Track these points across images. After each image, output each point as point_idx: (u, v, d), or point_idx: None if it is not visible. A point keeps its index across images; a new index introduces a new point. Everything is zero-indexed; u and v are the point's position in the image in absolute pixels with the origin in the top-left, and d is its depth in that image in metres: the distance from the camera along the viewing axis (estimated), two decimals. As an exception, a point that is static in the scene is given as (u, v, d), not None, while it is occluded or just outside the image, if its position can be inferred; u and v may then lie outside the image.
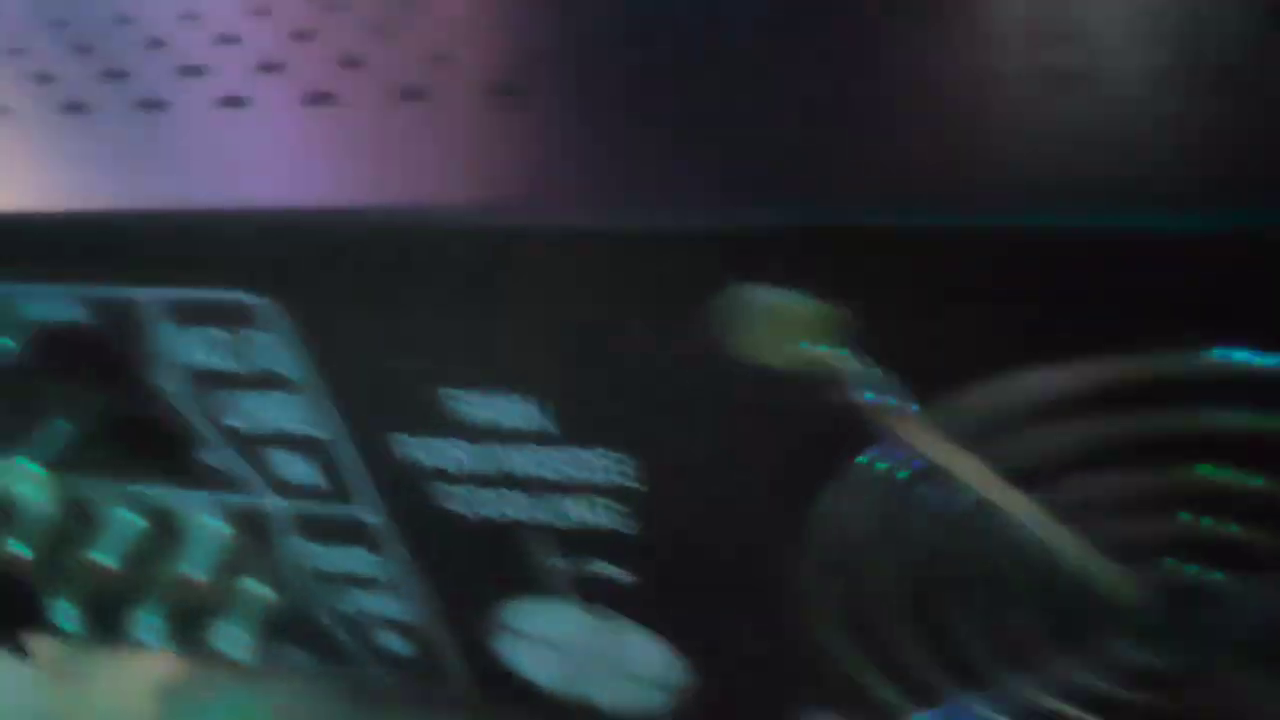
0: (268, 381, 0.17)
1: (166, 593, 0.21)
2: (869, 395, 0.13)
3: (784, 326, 0.13)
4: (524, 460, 0.17)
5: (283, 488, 0.19)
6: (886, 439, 0.14)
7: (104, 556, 0.20)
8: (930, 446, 0.13)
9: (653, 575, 0.18)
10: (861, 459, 0.14)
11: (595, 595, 0.19)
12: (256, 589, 0.21)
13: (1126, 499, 0.13)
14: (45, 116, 0.18)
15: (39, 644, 0.24)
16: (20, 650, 0.23)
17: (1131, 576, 0.14)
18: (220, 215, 0.15)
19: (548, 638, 0.20)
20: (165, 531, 0.20)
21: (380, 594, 0.20)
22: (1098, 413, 0.13)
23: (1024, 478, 0.14)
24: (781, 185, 0.13)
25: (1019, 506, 0.14)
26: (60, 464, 0.19)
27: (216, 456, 0.18)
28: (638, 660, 0.20)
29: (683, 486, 0.16)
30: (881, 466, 0.14)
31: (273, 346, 0.16)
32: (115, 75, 0.18)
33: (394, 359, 0.16)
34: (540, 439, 0.16)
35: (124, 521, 0.20)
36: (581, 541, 0.18)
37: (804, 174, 0.13)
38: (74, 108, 0.18)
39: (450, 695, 0.22)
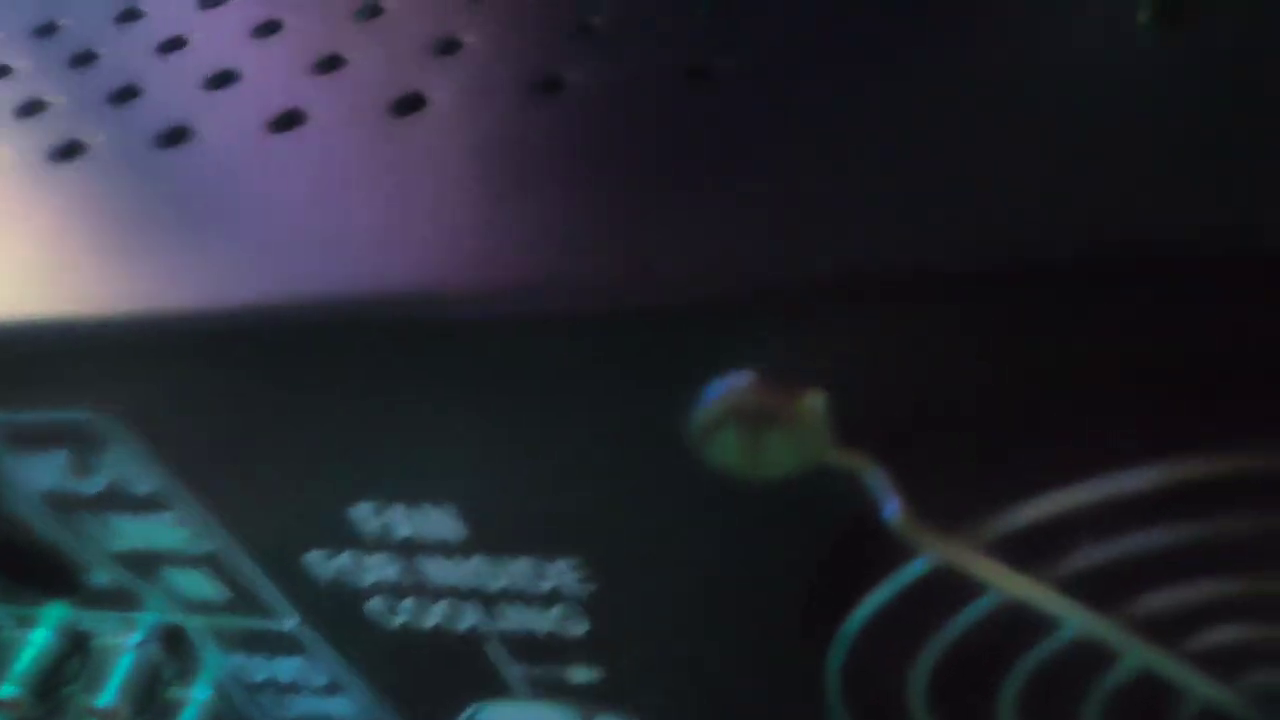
0: (127, 501, 0.14)
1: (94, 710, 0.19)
2: (887, 509, 0.10)
3: (779, 428, 0.10)
4: (457, 572, 0.14)
5: (187, 603, 0.16)
6: (910, 558, 0.11)
7: (12, 689, 0.18)
8: (976, 568, 0.10)
9: (620, 668, 0.15)
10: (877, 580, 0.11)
11: (556, 692, 0.16)
12: (193, 694, 0.18)
13: (1212, 608, 0.10)
14: None
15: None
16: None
17: (1224, 690, 0.11)
18: (44, 326, 0.12)
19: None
20: (80, 651, 0.18)
21: (320, 696, 0.18)
22: (1175, 516, 0.10)
23: (1089, 593, 0.10)
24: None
25: (1088, 626, 0.11)
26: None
27: (104, 577, 0.16)
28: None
29: (644, 594, 0.13)
30: (900, 585, 0.11)
31: (127, 464, 0.13)
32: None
33: (278, 473, 0.13)
34: (470, 550, 0.13)
35: (32, 644, 0.18)
36: (536, 645, 0.15)
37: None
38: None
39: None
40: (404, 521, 0.13)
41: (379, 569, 0.14)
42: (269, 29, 0.15)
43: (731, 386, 0.09)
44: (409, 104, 0.13)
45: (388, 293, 0.10)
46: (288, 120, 0.13)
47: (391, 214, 0.11)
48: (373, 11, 0.15)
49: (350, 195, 0.11)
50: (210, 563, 0.15)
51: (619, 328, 0.10)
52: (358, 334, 0.11)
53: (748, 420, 0.10)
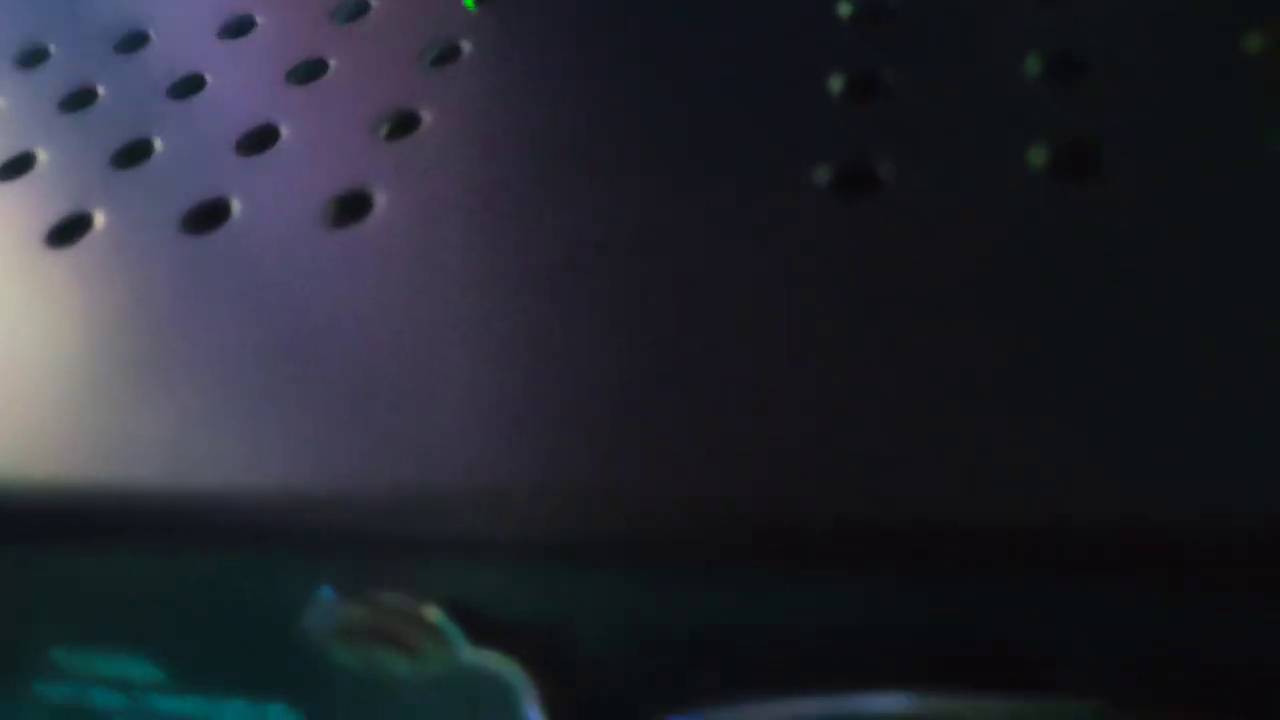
0: None
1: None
2: (530, 714, 0.09)
3: (392, 644, 0.09)
4: (182, 705, 0.13)
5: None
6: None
7: None
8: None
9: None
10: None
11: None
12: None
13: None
14: None
15: None
16: None
17: None
18: None
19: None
20: None
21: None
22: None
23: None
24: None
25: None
26: None
27: None
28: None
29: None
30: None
31: None
32: None
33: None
34: (180, 689, 0.12)
35: None
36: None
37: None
38: None
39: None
40: (103, 663, 0.12)
41: (106, 698, 0.13)
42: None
43: (332, 604, 0.09)
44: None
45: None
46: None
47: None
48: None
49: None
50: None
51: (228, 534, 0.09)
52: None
53: (357, 638, 0.09)
